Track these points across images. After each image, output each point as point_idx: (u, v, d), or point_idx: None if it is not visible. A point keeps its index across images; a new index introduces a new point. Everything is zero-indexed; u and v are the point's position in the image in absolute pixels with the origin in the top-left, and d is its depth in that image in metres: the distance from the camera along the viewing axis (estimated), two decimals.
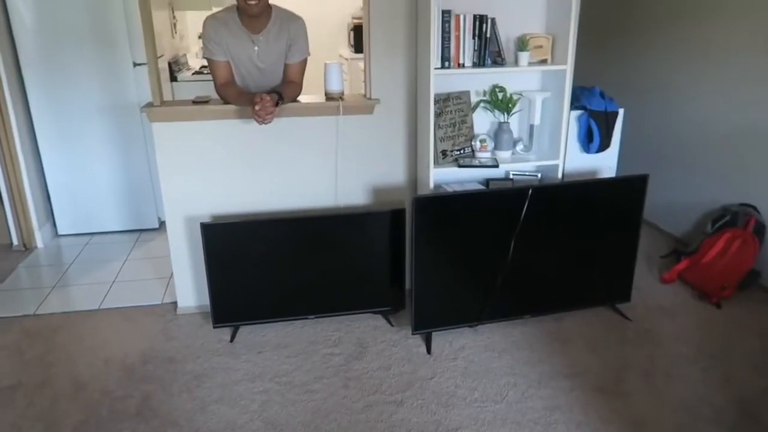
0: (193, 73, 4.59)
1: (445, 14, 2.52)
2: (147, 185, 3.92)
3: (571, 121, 2.87)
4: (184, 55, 4.94)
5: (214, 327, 2.75)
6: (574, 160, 2.96)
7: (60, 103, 3.68)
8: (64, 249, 3.78)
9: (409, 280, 2.58)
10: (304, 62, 2.74)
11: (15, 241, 3.76)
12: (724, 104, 3.29)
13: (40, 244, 3.79)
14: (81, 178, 3.84)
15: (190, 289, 2.93)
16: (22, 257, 3.65)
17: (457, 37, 2.57)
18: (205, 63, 3.07)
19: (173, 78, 4.45)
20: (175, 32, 4.85)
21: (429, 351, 2.63)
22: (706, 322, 2.83)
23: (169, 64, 4.44)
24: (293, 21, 2.66)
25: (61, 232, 3.94)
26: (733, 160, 3.26)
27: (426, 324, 2.65)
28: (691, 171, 3.56)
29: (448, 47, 2.57)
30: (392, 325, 2.83)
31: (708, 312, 2.91)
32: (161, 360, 2.58)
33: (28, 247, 3.76)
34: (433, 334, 2.70)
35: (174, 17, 4.82)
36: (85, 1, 3.54)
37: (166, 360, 2.58)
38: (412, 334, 2.69)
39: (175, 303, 2.99)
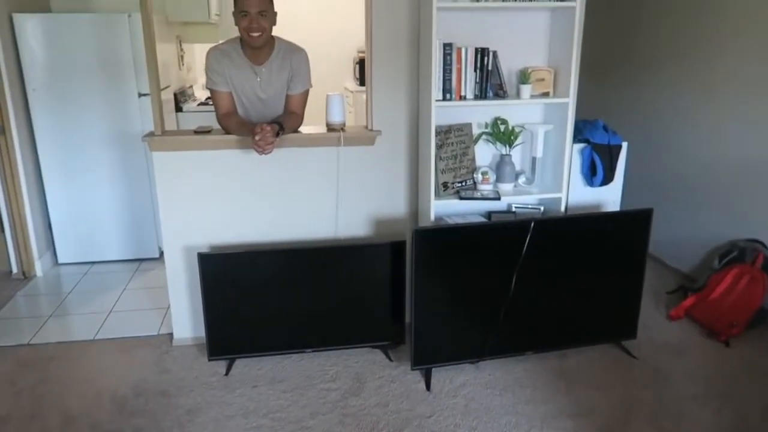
0: (198, 104, 4.63)
1: (447, 47, 2.53)
2: (149, 215, 3.91)
3: (574, 154, 2.85)
4: (191, 86, 4.99)
5: (209, 360, 2.69)
6: (577, 194, 2.92)
7: (65, 131, 3.71)
8: (64, 278, 3.76)
9: (409, 314, 2.53)
10: (306, 93, 2.75)
11: (14, 269, 3.73)
12: (730, 138, 3.27)
13: (39, 272, 3.77)
14: (83, 206, 3.84)
15: (186, 320, 2.88)
16: (20, 285, 3.62)
17: (459, 70, 2.58)
18: (208, 96, 3.09)
19: (179, 109, 4.49)
20: (183, 64, 4.92)
21: (428, 387, 2.55)
22: (715, 361, 2.74)
23: (175, 95, 4.48)
24: (296, 53, 2.68)
25: (61, 260, 3.92)
26: (740, 195, 3.22)
27: (426, 359, 2.59)
28: (698, 205, 3.52)
29: (450, 79, 2.57)
30: (391, 360, 2.76)
31: (717, 350, 2.82)
32: (154, 393, 2.52)
33: (27, 275, 3.74)
34: (433, 370, 2.63)
35: (182, 49, 4.89)
36: (92, 31, 3.60)
37: (159, 393, 2.52)
38: (412, 369, 2.62)
39: (171, 334, 2.94)
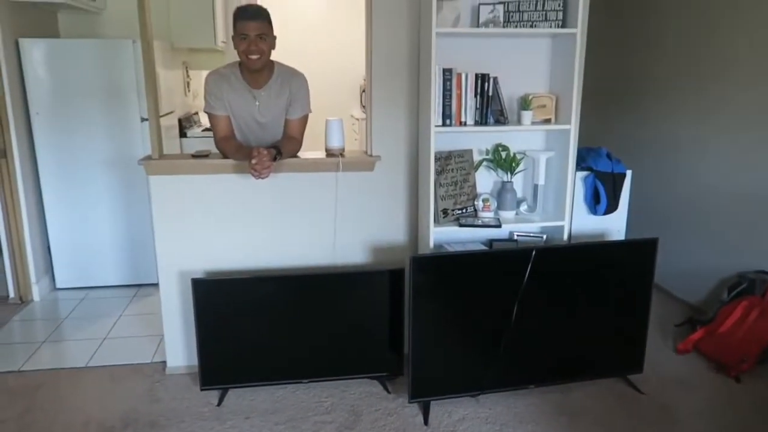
0: (203, 130, 4.63)
1: (447, 73, 2.50)
2: (148, 240, 3.86)
3: (577, 182, 2.80)
4: (196, 112, 5.01)
5: (202, 389, 2.62)
6: (582, 222, 2.86)
7: (67, 155, 3.71)
8: (61, 303, 3.71)
9: (408, 345, 2.46)
10: (305, 118, 2.73)
11: (11, 294, 3.70)
12: (738, 167, 3.21)
13: (36, 297, 3.73)
14: (83, 231, 3.81)
15: (180, 347, 2.82)
16: (17, 310, 3.58)
17: (459, 96, 2.55)
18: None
19: (183, 134, 4.50)
20: (188, 90, 4.95)
21: (426, 422, 2.46)
22: (725, 397, 2.64)
23: (180, 121, 4.50)
24: (295, 77, 2.67)
25: (59, 285, 3.88)
26: (748, 225, 3.14)
27: (424, 392, 2.50)
28: (705, 235, 3.44)
29: (450, 105, 2.54)
30: (389, 392, 2.67)
31: (727, 386, 2.72)
32: (143, 424, 2.45)
33: (24, 300, 3.70)
34: (432, 403, 2.54)
35: (188, 76, 4.93)
36: (97, 56, 3.63)
37: (148, 424, 2.45)
38: (409, 402, 2.53)
39: (164, 362, 2.87)
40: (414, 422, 2.46)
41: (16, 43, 3.54)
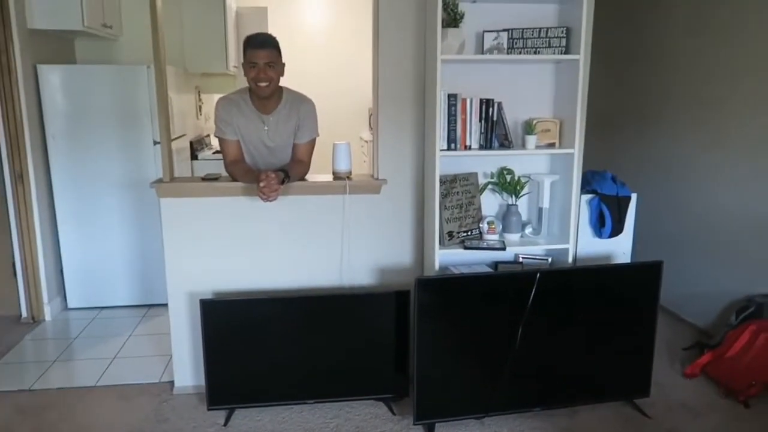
0: (213, 153, 4.72)
1: (452, 98, 2.56)
2: (159, 261, 3.89)
3: (582, 206, 2.82)
4: (208, 135, 5.11)
5: (209, 409, 2.64)
6: (587, 245, 2.88)
7: (81, 178, 3.79)
8: (72, 322, 3.76)
9: (413, 366, 2.47)
10: (313, 142, 2.79)
11: (24, 314, 3.76)
12: (745, 190, 3.22)
13: (48, 317, 3.78)
14: (96, 252, 3.88)
15: (188, 367, 2.85)
16: (28, 329, 3.63)
17: (464, 120, 2.60)
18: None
19: (194, 157, 4.58)
20: (200, 114, 5.05)
21: None
22: (733, 423, 2.61)
23: (191, 144, 4.58)
24: (303, 103, 2.74)
25: (71, 305, 3.94)
26: (757, 248, 3.14)
27: (429, 414, 2.50)
28: (713, 258, 3.43)
29: (455, 129, 2.59)
30: (394, 414, 2.68)
31: (735, 411, 2.69)
32: None
33: (36, 319, 3.76)
34: (437, 425, 2.54)
35: (200, 99, 5.04)
36: (113, 82, 3.73)
37: None
38: (414, 424, 2.53)
39: (172, 382, 2.90)
40: None
41: (35, 69, 3.65)
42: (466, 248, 2.67)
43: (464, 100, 2.59)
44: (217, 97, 2.79)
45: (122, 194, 3.85)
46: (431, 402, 2.48)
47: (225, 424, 2.60)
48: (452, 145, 2.61)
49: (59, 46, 4.03)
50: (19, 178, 3.61)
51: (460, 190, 2.74)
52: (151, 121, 3.78)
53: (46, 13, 3.62)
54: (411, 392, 2.57)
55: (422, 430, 2.55)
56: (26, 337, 3.54)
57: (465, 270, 2.71)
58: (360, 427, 2.59)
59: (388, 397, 2.74)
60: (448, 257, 2.72)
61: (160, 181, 2.73)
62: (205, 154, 4.68)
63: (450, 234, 2.71)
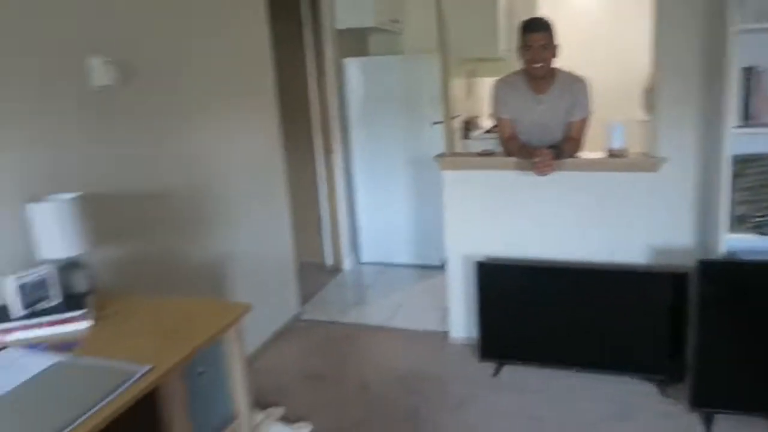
0: (484, 132, 5.05)
1: (747, 72, 2.38)
2: (435, 229, 4.41)
3: None
4: (477, 116, 5.46)
5: (480, 360, 2.97)
6: None
7: (373, 153, 4.47)
8: (364, 274, 4.52)
9: (691, 353, 2.42)
10: (585, 121, 2.86)
11: (328, 263, 4.62)
12: None
13: (347, 267, 4.59)
14: (384, 216, 4.55)
15: (461, 322, 3.22)
16: (332, 276, 4.47)
17: (764, 96, 2.39)
18: (493, 123, 3.42)
19: (466, 136, 4.97)
20: (470, 96, 5.42)
21: None
22: None
23: (465, 123, 4.98)
24: (576, 82, 2.83)
25: (363, 260, 4.70)
26: None
27: (708, 402, 2.42)
28: None
29: (751, 105, 2.41)
30: (665, 396, 2.64)
31: None
32: (430, 379, 2.91)
33: (337, 268, 4.59)
34: (716, 416, 2.43)
35: (471, 83, 5.40)
36: (398, 68, 4.30)
37: (435, 380, 2.90)
38: (691, 410, 2.46)
39: (447, 332, 3.31)
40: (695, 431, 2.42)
41: (341, 63, 4.39)
42: (762, 234, 2.47)
43: (763, 74, 2.38)
44: (486, 80, 3.04)
45: (405, 168, 4.42)
46: (711, 391, 2.40)
47: (494, 375, 2.91)
48: (748, 122, 2.43)
49: (357, 42, 4.73)
50: (328, 153, 4.42)
51: (755, 171, 2.54)
52: (429, 104, 4.24)
53: (348, 15, 4.28)
54: (688, 378, 2.52)
55: (698, 419, 2.46)
56: (331, 282, 4.37)
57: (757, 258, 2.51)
58: (627, 402, 2.63)
59: (659, 378, 2.71)
60: (737, 242, 2.54)
61: (443, 155, 3.11)
62: (476, 133, 5.04)
63: (741, 218, 2.54)
